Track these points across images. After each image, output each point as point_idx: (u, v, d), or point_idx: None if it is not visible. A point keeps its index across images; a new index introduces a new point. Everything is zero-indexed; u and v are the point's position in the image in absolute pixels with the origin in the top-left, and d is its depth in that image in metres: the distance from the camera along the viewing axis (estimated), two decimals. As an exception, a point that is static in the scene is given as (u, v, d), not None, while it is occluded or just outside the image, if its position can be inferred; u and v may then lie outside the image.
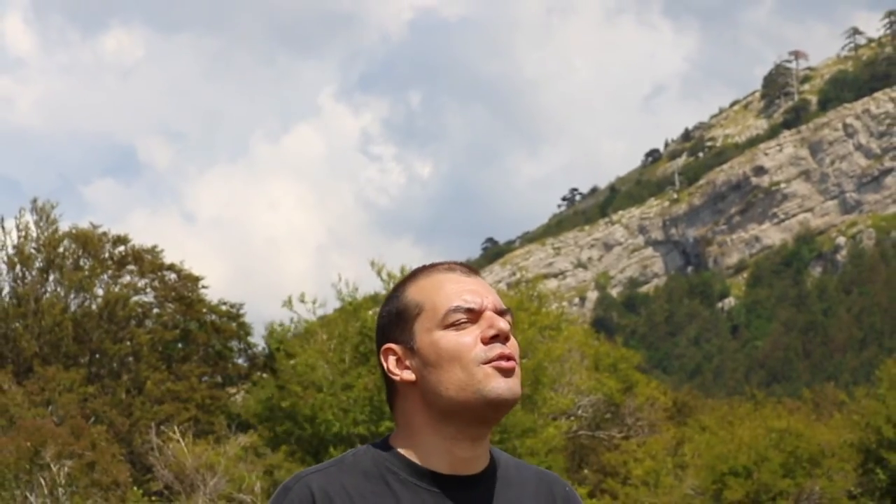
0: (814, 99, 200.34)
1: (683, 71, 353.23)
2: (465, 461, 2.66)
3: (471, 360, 2.62)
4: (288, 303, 40.28)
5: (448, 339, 2.64)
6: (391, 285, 39.93)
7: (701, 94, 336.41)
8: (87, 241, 47.73)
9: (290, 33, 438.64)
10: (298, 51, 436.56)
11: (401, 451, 2.67)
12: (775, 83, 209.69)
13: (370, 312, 39.27)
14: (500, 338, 2.64)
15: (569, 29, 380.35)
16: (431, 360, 2.63)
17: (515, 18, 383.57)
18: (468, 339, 2.64)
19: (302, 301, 40.31)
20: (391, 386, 2.71)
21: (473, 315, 2.66)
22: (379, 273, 39.83)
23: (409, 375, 2.65)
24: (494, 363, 2.62)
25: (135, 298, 48.41)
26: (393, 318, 2.70)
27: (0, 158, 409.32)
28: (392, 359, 2.68)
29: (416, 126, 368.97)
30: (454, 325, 2.64)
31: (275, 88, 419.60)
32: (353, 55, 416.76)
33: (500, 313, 2.68)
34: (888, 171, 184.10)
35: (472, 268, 2.76)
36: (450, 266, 2.74)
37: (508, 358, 2.63)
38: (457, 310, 2.65)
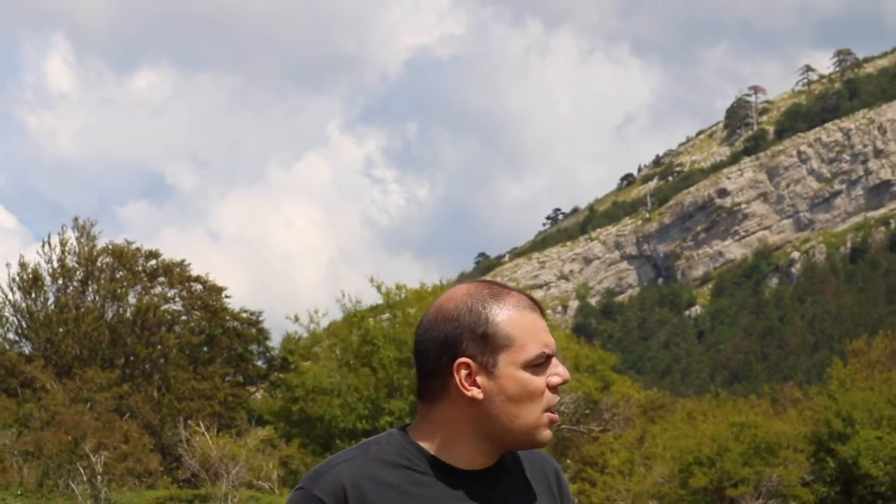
0: (771, 129, 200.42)
1: (651, 102, 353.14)
2: (483, 462, 2.63)
3: (542, 405, 2.59)
4: (294, 318, 40.45)
5: (534, 382, 2.58)
6: (389, 300, 40.06)
7: (667, 123, 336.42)
8: (122, 256, 47.72)
9: (301, 72, 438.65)
10: (308, 88, 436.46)
11: (422, 444, 2.62)
12: (737, 115, 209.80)
13: (371, 321, 39.35)
14: (557, 388, 2.62)
15: (547, 67, 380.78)
16: (512, 395, 2.57)
17: (500, 57, 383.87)
18: (542, 383, 2.59)
19: (311, 319, 40.48)
20: (441, 389, 2.61)
21: (547, 360, 2.62)
22: (378, 288, 39.93)
23: (478, 394, 2.57)
24: (550, 416, 2.61)
25: (165, 307, 48.37)
26: (476, 337, 2.58)
27: (45, 184, 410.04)
28: (464, 372, 2.57)
29: (412, 154, 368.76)
30: (536, 367, 2.59)
31: (287, 121, 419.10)
32: (356, 91, 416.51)
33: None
34: (837, 194, 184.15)
35: (539, 304, 2.69)
36: (531, 304, 2.64)
37: (556, 412, 2.63)
38: (541, 356, 2.59)
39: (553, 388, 2.60)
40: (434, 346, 2.61)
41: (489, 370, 2.57)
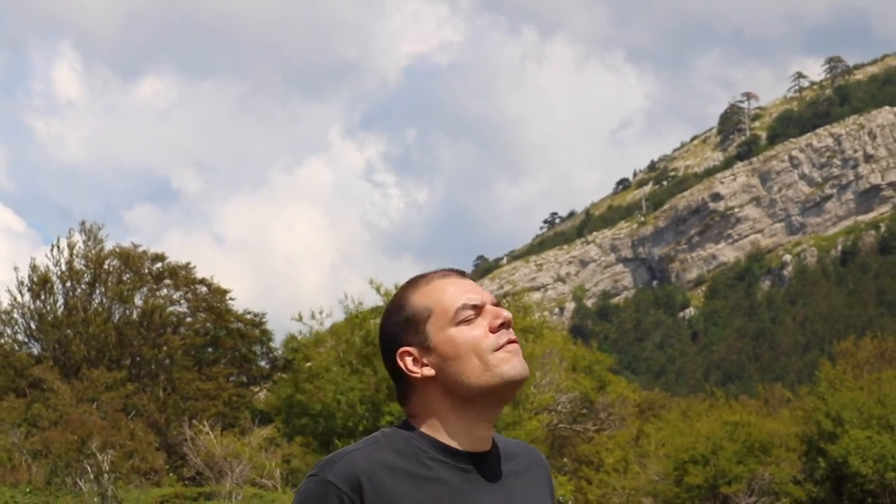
0: (763, 134, 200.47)
1: (646, 108, 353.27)
2: (482, 440, 2.67)
3: (485, 349, 2.63)
4: (298, 317, 40.37)
5: (462, 333, 2.65)
6: (388, 300, 40.03)
7: (661, 129, 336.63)
8: (129, 259, 47.70)
9: (303, 80, 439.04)
10: (310, 95, 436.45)
11: (425, 431, 2.66)
12: (730, 120, 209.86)
13: (373, 322, 39.33)
14: (505, 325, 2.68)
15: (543, 73, 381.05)
16: (450, 355, 2.64)
17: (497, 64, 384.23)
18: (479, 332, 2.65)
19: (313, 317, 40.42)
20: (405, 384, 2.70)
21: (477, 310, 2.68)
22: (378, 290, 39.93)
23: (428, 371, 2.65)
24: (505, 348, 2.65)
25: (170, 309, 48.34)
26: (403, 324, 2.69)
27: (53, 188, 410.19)
28: (409, 359, 2.67)
29: (412, 159, 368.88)
30: (464, 322, 2.66)
31: (290, 127, 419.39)
32: (357, 98, 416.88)
33: (496, 306, 2.72)
34: (828, 198, 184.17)
35: (463, 271, 2.80)
36: (444, 273, 2.77)
37: (515, 341, 2.67)
38: (464, 307, 2.66)
39: (496, 329, 2.66)
40: (384, 351, 2.75)
41: (425, 346, 2.66)
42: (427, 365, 2.66)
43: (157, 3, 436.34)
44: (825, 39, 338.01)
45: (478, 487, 2.63)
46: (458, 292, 2.70)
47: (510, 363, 2.64)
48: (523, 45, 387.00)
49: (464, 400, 2.64)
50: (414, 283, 2.75)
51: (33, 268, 46.86)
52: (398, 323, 2.70)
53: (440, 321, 2.66)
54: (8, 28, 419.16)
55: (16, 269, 50.80)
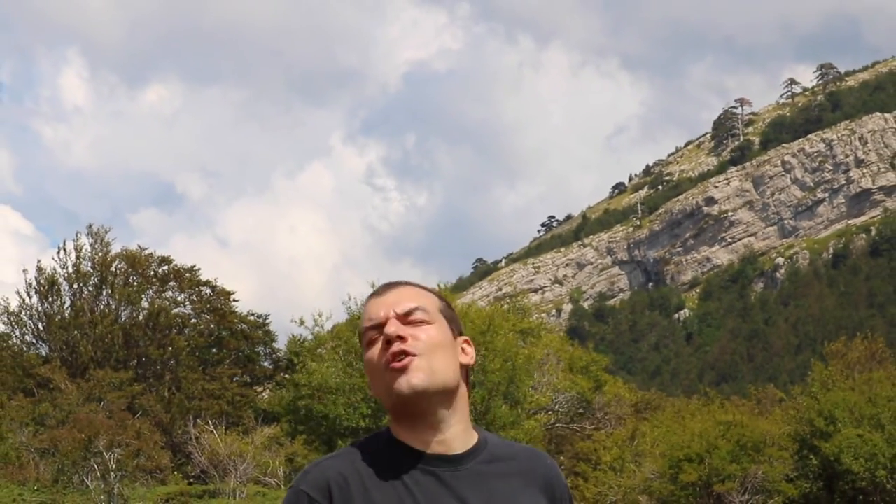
0: (756, 140, 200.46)
1: (640, 114, 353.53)
2: (441, 443, 2.67)
3: (381, 369, 2.66)
4: (300, 322, 40.36)
5: (367, 356, 2.69)
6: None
7: (656, 134, 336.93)
8: (135, 261, 47.69)
9: (305, 86, 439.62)
10: (312, 101, 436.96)
11: (397, 437, 2.70)
12: (723, 126, 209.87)
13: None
14: (390, 343, 2.65)
15: (540, 80, 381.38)
16: (368, 375, 2.71)
17: (495, 71, 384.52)
18: (374, 353, 2.68)
19: (315, 322, 40.41)
20: None
21: (380, 328, 2.68)
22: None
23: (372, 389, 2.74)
24: (389, 367, 2.64)
25: (175, 310, 48.33)
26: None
27: (60, 193, 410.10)
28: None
29: (412, 163, 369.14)
30: (369, 343, 2.69)
31: (292, 133, 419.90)
32: (358, 104, 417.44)
33: (406, 314, 2.68)
34: (820, 202, 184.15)
35: (395, 282, 2.77)
36: (376, 290, 2.76)
37: (396, 356, 2.64)
38: (367, 331, 2.70)
39: (382, 348, 2.66)
40: None
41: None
42: None
43: (163, 12, 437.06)
44: (816, 47, 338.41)
45: (449, 487, 2.64)
46: (368, 313, 2.71)
47: (395, 382, 2.63)
48: (520, 52, 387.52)
49: (392, 414, 2.70)
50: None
51: (39, 270, 46.86)
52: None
53: (362, 343, 2.73)
54: (16, 36, 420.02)
55: (24, 271, 50.68)
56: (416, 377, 2.63)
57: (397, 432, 2.70)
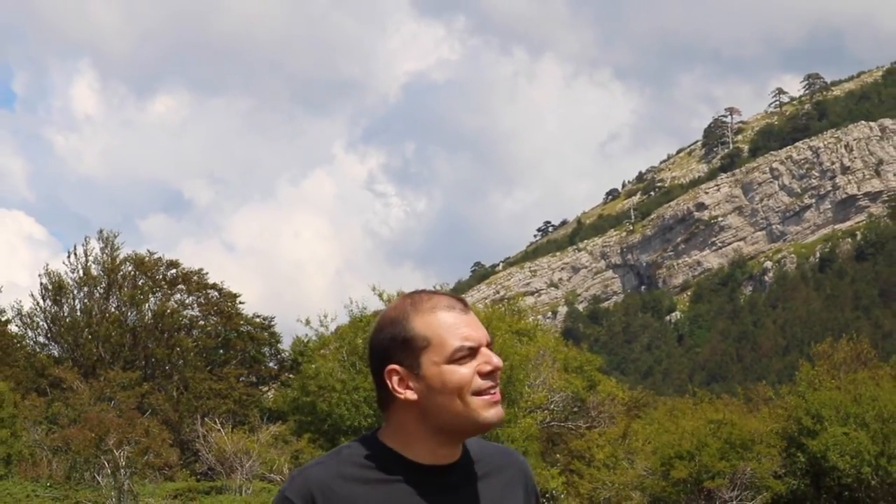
0: (746, 147, 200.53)
1: (632, 122, 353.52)
2: (445, 456, 2.70)
3: (469, 391, 2.63)
4: (306, 322, 40.40)
5: (453, 373, 2.63)
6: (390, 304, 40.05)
7: (647, 142, 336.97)
8: (143, 265, 47.71)
9: (308, 96, 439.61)
10: (314, 110, 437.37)
11: (388, 444, 2.68)
12: (714, 134, 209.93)
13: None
14: (493, 373, 2.66)
15: (535, 90, 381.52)
16: (437, 389, 2.63)
17: (491, 81, 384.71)
18: (468, 373, 2.64)
19: (321, 323, 40.45)
20: (386, 394, 2.70)
21: (473, 352, 2.65)
22: (380, 297, 39.98)
23: (412, 395, 2.65)
24: (486, 396, 2.64)
25: (183, 312, 48.34)
26: (398, 343, 2.66)
27: (72, 199, 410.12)
28: (395, 378, 2.66)
29: (411, 170, 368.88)
30: (457, 361, 2.64)
31: (296, 141, 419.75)
32: (359, 113, 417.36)
33: (489, 345, 2.69)
34: (807, 207, 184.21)
35: (466, 302, 2.73)
36: (450, 304, 2.70)
37: (496, 390, 2.66)
38: (461, 349, 2.63)
39: (484, 375, 2.64)
40: (373, 358, 2.72)
41: (415, 372, 2.65)
42: (411, 389, 2.65)
43: (170, 25, 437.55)
44: (801, 59, 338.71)
45: (434, 493, 2.66)
46: (458, 331, 2.66)
47: (488, 411, 2.64)
48: (515, 63, 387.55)
49: (437, 429, 2.66)
50: (417, 303, 2.70)
51: (49, 274, 46.88)
52: (393, 338, 2.67)
53: (436, 355, 2.64)
54: (30, 48, 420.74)
55: (39, 276, 50.75)
56: (502, 411, 2.69)
57: (391, 441, 2.69)
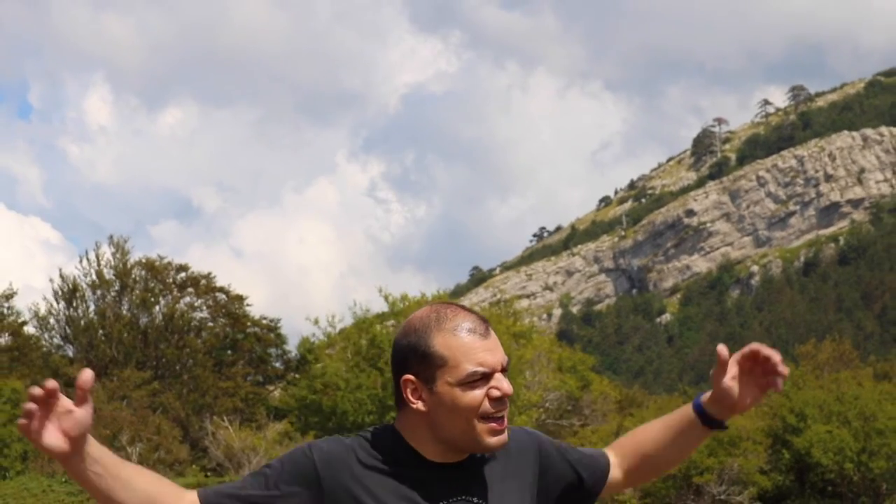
0: (733, 156, 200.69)
1: (624, 132, 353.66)
2: (454, 457, 2.71)
3: (477, 414, 2.62)
4: (314, 321, 40.45)
5: (464, 396, 2.61)
6: (394, 308, 40.31)
7: (638, 151, 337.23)
8: (154, 269, 47.76)
9: (311, 108, 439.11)
10: (318, 121, 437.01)
11: (406, 439, 2.70)
12: (702, 143, 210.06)
13: (378, 327, 39.43)
14: (502, 399, 2.65)
15: (529, 101, 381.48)
16: (446, 406, 2.62)
17: (487, 93, 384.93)
18: (479, 396, 2.62)
19: (329, 323, 40.52)
20: (399, 397, 2.70)
21: (487, 377, 2.64)
22: (386, 299, 40.08)
23: (422, 407, 2.64)
24: (492, 424, 2.64)
25: (193, 314, 48.37)
26: (418, 356, 2.65)
27: (86, 206, 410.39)
28: (410, 388, 2.65)
29: (411, 178, 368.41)
30: (470, 384, 2.62)
31: (300, 150, 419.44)
32: (360, 124, 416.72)
33: (504, 370, 2.67)
34: (792, 214, 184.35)
35: (488, 324, 2.71)
36: (472, 326, 2.66)
37: (502, 420, 2.65)
38: (475, 374, 2.61)
39: (494, 400, 2.63)
40: (393, 361, 2.72)
41: (429, 386, 2.63)
42: (423, 401, 2.65)
43: (180, 39, 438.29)
44: (782, 72, 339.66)
45: (445, 484, 2.68)
46: (475, 356, 2.63)
47: (490, 438, 2.64)
48: (509, 76, 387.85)
49: (440, 439, 2.67)
50: (442, 320, 2.67)
51: (62, 277, 46.96)
52: (414, 349, 2.66)
53: (450, 376, 2.62)
54: (45, 62, 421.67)
55: (51, 281, 50.80)
56: (505, 439, 2.68)
57: (409, 436, 2.70)
